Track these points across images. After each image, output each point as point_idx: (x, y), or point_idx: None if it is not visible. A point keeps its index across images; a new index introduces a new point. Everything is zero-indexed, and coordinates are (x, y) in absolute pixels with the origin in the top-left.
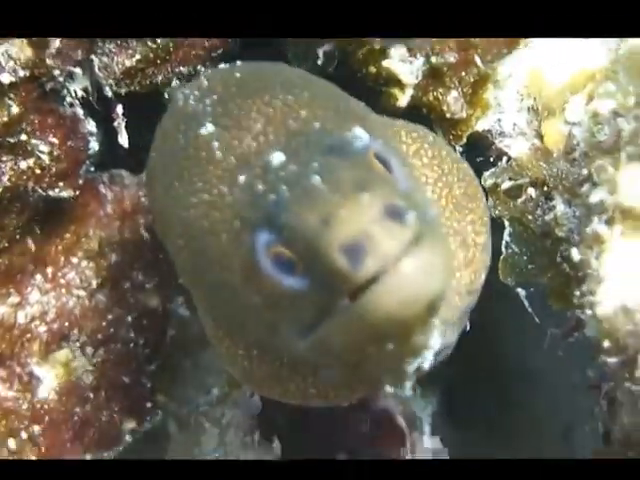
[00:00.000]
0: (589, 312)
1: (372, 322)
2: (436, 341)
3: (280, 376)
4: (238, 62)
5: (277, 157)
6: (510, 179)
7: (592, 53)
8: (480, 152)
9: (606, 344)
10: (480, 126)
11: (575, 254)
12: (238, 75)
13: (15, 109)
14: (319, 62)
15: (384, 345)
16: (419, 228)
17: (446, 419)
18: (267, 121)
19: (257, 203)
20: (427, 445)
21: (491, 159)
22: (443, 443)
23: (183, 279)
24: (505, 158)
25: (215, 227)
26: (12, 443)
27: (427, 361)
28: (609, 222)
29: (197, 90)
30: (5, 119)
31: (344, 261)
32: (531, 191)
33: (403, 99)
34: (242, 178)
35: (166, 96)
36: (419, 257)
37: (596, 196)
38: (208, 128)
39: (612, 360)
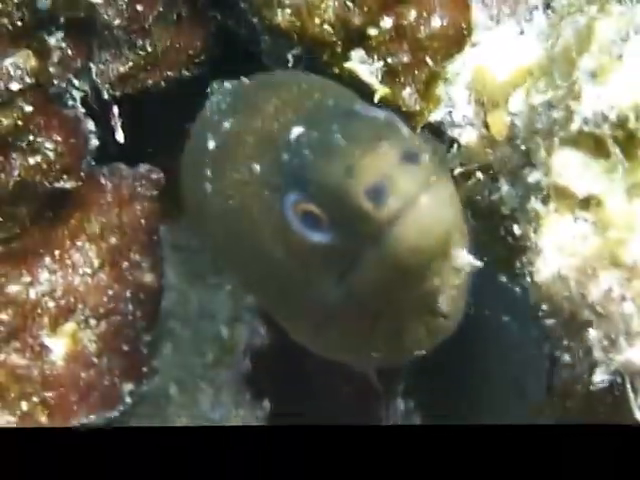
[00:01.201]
0: (530, 280)
1: (398, 256)
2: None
3: (318, 331)
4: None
5: (297, 129)
6: (461, 164)
7: (530, 52)
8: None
9: (545, 308)
10: (433, 118)
11: (516, 229)
12: (254, 80)
13: (25, 110)
14: (290, 64)
15: (412, 280)
16: (432, 168)
17: (416, 383)
18: (285, 103)
19: (283, 170)
20: (400, 406)
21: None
22: (415, 404)
23: (221, 263)
24: (456, 145)
25: (246, 201)
26: (24, 405)
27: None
28: (544, 200)
29: (220, 94)
30: (19, 122)
31: (368, 204)
32: (479, 174)
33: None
34: (267, 154)
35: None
36: (435, 192)
37: (533, 177)
38: (231, 118)
39: (551, 321)
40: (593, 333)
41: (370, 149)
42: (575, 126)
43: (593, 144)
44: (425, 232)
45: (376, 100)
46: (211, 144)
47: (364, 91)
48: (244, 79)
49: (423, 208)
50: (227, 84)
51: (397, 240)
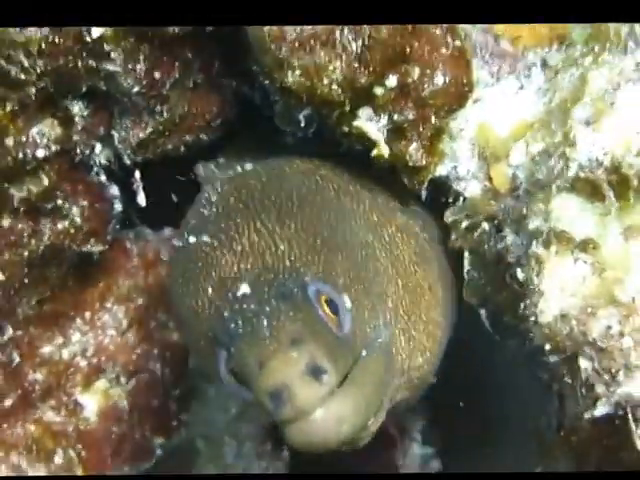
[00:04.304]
0: (534, 322)
1: (297, 447)
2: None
3: None
4: (248, 166)
5: (244, 289)
6: (467, 216)
7: (530, 106)
8: (440, 194)
9: (548, 347)
10: (439, 172)
11: (520, 274)
12: (244, 190)
13: (50, 179)
14: (302, 125)
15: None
16: (337, 382)
17: (434, 429)
18: (250, 248)
19: (222, 327)
20: (417, 451)
21: (450, 199)
22: (433, 449)
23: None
24: (462, 198)
25: (197, 330)
26: (59, 459)
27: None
28: (546, 244)
29: (207, 199)
30: (41, 188)
31: (270, 404)
32: (485, 225)
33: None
34: (218, 299)
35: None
36: (331, 408)
37: (534, 224)
38: (205, 239)
39: (554, 360)
40: (594, 369)
41: (281, 353)
42: (571, 172)
43: (589, 189)
44: (314, 444)
45: (386, 156)
46: (189, 252)
47: (372, 148)
48: (233, 179)
49: (314, 423)
50: (217, 187)
51: (292, 439)
